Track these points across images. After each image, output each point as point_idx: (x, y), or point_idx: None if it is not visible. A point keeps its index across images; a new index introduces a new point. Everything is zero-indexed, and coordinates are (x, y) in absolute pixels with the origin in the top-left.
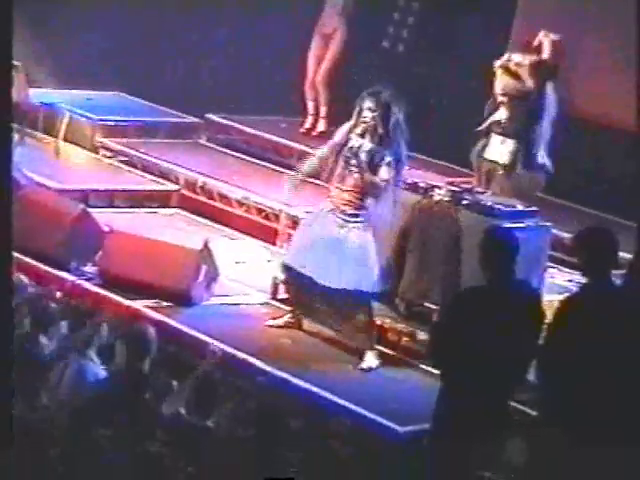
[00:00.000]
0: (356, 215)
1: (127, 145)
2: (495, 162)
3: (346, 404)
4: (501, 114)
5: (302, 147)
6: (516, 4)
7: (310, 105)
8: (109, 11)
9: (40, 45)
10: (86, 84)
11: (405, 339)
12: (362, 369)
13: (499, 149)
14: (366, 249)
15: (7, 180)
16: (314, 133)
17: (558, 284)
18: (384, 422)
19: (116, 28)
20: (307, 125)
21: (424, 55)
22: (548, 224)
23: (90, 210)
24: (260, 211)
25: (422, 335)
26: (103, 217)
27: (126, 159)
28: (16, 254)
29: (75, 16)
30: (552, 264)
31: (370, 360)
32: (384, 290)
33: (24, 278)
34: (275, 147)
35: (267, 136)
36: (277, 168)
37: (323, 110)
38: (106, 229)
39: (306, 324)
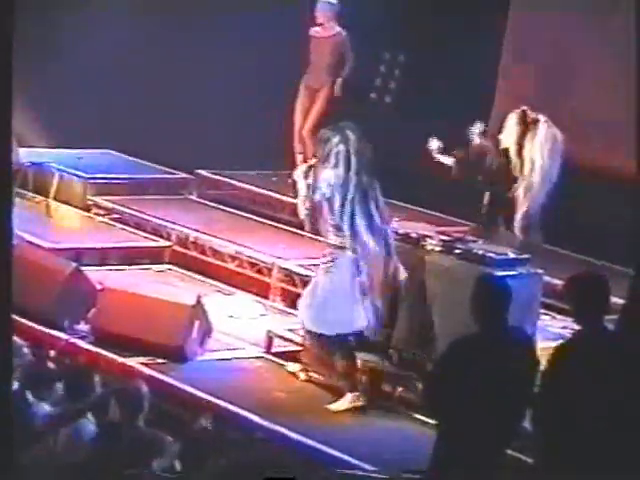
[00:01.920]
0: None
1: (118, 202)
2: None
3: (340, 455)
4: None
5: (292, 200)
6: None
7: (299, 158)
8: (97, 69)
9: (29, 104)
10: (75, 142)
11: (399, 389)
12: (330, 408)
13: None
14: (339, 292)
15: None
16: None
17: (552, 331)
18: (379, 475)
19: (103, 86)
20: None
21: (412, 106)
22: (540, 271)
23: (82, 268)
24: (253, 265)
25: (416, 385)
26: (96, 275)
27: (118, 216)
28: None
29: (63, 74)
30: (545, 311)
31: (342, 402)
32: (377, 340)
33: (17, 339)
34: (267, 201)
35: (258, 190)
36: (269, 222)
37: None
38: (99, 287)
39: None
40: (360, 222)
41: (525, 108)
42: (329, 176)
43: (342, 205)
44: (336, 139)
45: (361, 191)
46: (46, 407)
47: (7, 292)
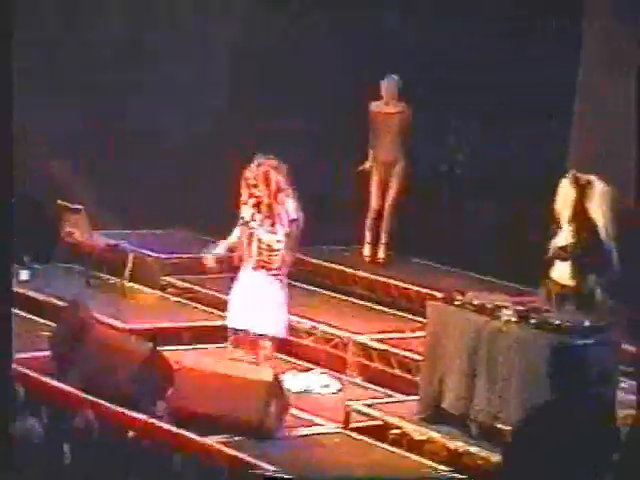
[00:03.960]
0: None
1: (192, 281)
2: (564, 285)
3: None
4: (565, 238)
5: (367, 275)
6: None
7: (368, 235)
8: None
9: (100, 188)
10: (146, 223)
11: (479, 462)
12: None
13: (566, 272)
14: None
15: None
16: (377, 260)
17: (631, 399)
18: None
19: (172, 163)
20: (367, 253)
21: (481, 176)
22: (618, 339)
23: (159, 348)
24: (328, 340)
25: (496, 457)
26: (172, 354)
27: (192, 295)
28: (89, 396)
29: (133, 156)
30: (624, 378)
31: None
32: (456, 412)
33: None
34: (339, 275)
35: (331, 265)
36: (342, 297)
37: (384, 237)
38: (175, 366)
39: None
40: None
41: (574, 172)
42: None
43: None
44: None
45: None
46: None
47: (7, 291)
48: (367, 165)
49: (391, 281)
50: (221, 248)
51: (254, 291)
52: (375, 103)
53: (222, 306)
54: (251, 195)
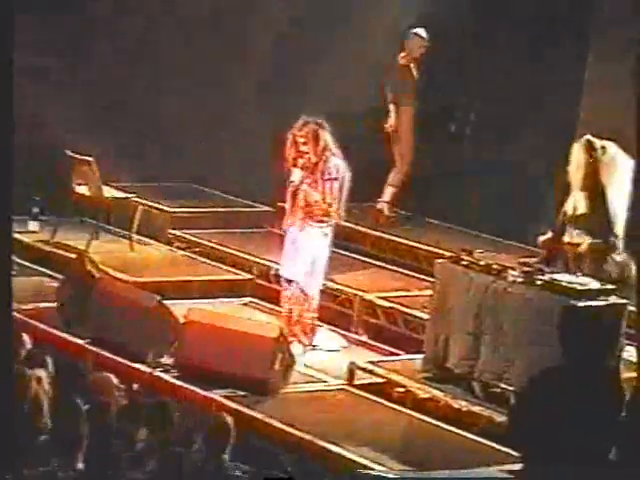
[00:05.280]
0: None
1: (200, 236)
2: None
3: None
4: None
5: (376, 233)
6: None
7: (389, 190)
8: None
9: (111, 141)
10: (157, 176)
11: (482, 421)
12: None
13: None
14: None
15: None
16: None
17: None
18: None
19: (185, 120)
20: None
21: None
22: (625, 301)
23: (165, 302)
24: (334, 297)
25: (500, 417)
26: (178, 308)
27: (199, 250)
28: (95, 348)
29: (144, 111)
30: (630, 342)
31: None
32: (460, 372)
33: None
34: (347, 232)
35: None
36: (351, 255)
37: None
38: (181, 320)
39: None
40: None
41: (589, 137)
42: None
43: None
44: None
45: None
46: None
47: (7, 294)
48: (392, 122)
49: (400, 240)
50: None
51: (302, 244)
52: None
53: (229, 260)
54: (299, 154)
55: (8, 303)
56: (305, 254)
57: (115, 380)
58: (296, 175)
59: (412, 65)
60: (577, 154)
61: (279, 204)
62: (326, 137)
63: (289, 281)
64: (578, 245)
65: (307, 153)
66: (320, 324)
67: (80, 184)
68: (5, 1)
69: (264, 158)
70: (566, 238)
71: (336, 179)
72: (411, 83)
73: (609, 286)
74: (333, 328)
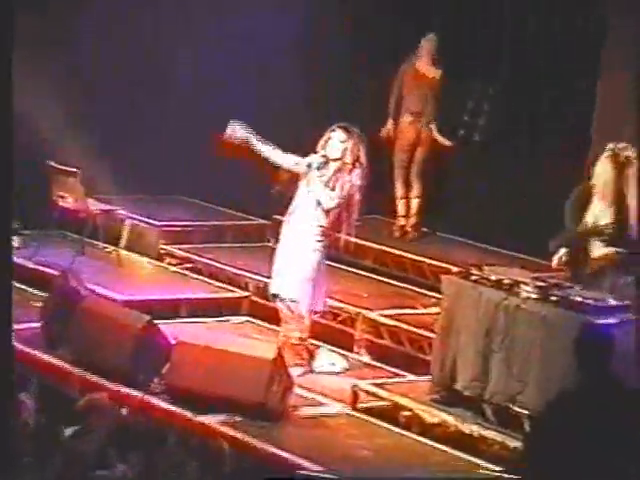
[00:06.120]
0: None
1: (192, 251)
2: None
3: None
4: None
5: (379, 247)
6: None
7: (401, 203)
8: (164, 114)
9: (98, 153)
10: (146, 189)
11: (495, 447)
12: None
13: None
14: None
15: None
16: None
17: None
18: None
19: (173, 129)
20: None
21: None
22: None
23: (156, 321)
24: (335, 316)
25: (513, 442)
26: (170, 328)
27: (192, 266)
28: (81, 371)
29: (129, 123)
30: None
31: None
32: (469, 394)
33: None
34: (349, 247)
35: (340, 235)
36: (352, 270)
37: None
38: (173, 341)
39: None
40: None
41: (613, 147)
42: None
43: None
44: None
45: None
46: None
47: (7, 295)
48: (389, 127)
49: (405, 254)
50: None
51: (293, 256)
52: (411, 62)
53: (223, 277)
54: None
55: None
56: (295, 268)
57: (109, 401)
58: (315, 160)
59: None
60: (603, 165)
61: (275, 217)
62: (362, 152)
63: (280, 299)
64: (602, 258)
65: (343, 153)
66: (320, 344)
67: (62, 197)
68: (5, 1)
69: (259, 167)
70: (589, 250)
71: (358, 187)
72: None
73: (627, 302)
74: (334, 349)
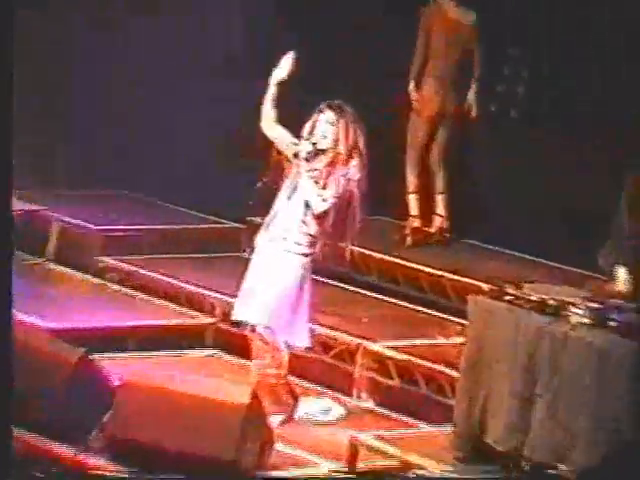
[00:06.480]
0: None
1: (142, 264)
2: None
3: None
4: None
5: (385, 257)
6: None
7: (413, 198)
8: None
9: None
10: (82, 182)
11: None
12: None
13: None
14: None
15: None
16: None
17: None
18: None
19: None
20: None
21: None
22: None
23: (94, 355)
24: (328, 348)
25: None
26: (112, 365)
27: (141, 283)
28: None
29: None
30: None
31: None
32: (505, 448)
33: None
34: (349, 260)
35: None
36: (350, 288)
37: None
38: (116, 381)
39: None
40: None
41: None
42: None
43: None
44: None
45: None
46: None
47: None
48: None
49: (420, 267)
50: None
51: (268, 265)
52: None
53: (182, 298)
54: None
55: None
56: (270, 286)
57: None
58: (302, 149)
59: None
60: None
61: (249, 219)
62: (361, 135)
63: (250, 327)
64: None
65: (335, 139)
66: (309, 385)
67: None
68: (5, 1)
69: (228, 157)
70: None
71: (357, 182)
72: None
73: None
74: (326, 391)
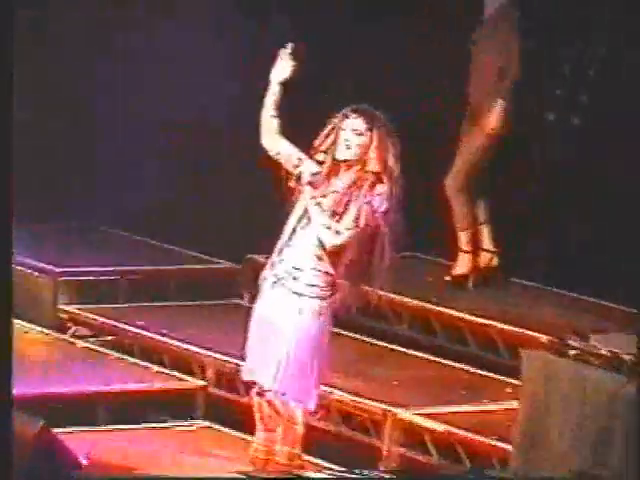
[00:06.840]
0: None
1: (115, 316)
2: None
3: None
4: None
5: (419, 303)
6: None
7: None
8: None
9: None
10: (40, 213)
11: None
12: None
13: None
14: None
15: None
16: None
17: None
18: None
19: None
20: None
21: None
22: None
23: (56, 429)
24: (346, 417)
25: None
26: (79, 439)
27: (114, 339)
28: None
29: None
30: None
31: None
32: None
33: None
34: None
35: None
36: (376, 342)
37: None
38: (83, 459)
39: None
40: None
41: None
42: None
43: None
44: None
45: None
46: None
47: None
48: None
49: (461, 315)
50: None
51: (276, 325)
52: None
53: (166, 357)
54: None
55: None
56: (279, 342)
57: None
58: (305, 169)
59: None
60: None
61: (248, 257)
62: (392, 152)
63: (259, 389)
64: None
65: (362, 153)
66: (326, 465)
67: None
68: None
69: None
70: None
71: (384, 213)
72: None
73: None
74: (347, 470)
